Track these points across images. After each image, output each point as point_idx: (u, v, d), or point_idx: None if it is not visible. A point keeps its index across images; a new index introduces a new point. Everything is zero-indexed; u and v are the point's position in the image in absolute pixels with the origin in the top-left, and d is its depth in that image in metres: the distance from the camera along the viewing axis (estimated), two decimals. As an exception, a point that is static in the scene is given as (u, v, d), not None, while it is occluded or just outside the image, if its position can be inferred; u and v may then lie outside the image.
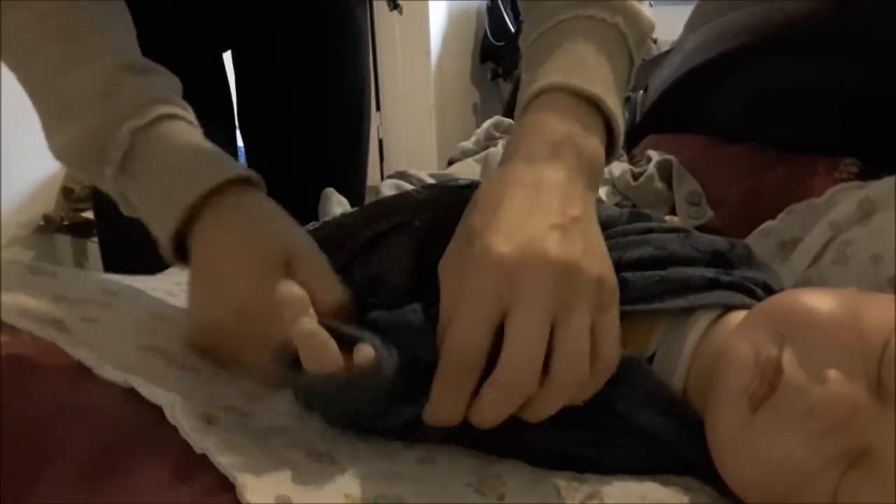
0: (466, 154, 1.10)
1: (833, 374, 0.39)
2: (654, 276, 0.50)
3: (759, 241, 0.71)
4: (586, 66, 0.49)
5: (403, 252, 0.55)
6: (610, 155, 0.51)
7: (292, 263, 0.48)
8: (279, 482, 0.38)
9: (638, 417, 0.45)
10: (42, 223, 2.14)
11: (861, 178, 0.73)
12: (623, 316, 0.45)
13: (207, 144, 0.54)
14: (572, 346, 0.41)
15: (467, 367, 0.41)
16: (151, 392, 0.42)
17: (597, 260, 0.44)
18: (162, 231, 0.51)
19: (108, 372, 0.44)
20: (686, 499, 0.43)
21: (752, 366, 0.42)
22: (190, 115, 0.55)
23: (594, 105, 0.48)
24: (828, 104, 0.81)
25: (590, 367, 0.42)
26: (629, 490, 0.42)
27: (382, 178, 1.08)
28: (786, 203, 0.73)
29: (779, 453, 0.40)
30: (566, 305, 0.41)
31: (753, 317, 0.46)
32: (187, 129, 0.54)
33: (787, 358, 0.41)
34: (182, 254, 0.52)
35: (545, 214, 0.43)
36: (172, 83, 0.56)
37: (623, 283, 0.48)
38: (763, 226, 0.72)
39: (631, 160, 1.01)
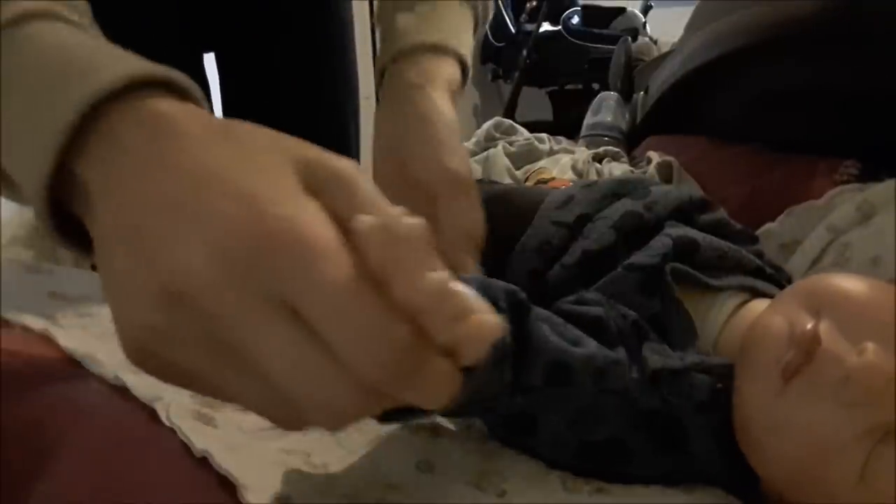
0: (467, 155, 1.10)
1: (871, 345, 0.39)
2: (720, 249, 0.52)
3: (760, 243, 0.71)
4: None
5: None
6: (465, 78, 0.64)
7: (317, 180, 0.29)
8: (279, 482, 0.38)
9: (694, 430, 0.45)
10: (42, 223, 2.14)
11: (861, 180, 0.73)
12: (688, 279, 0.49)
13: (108, 44, 0.34)
14: None
15: None
16: (144, 392, 0.42)
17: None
18: (33, 173, 0.31)
19: (100, 367, 0.44)
20: (692, 497, 0.43)
21: (786, 337, 0.42)
22: (87, 20, 0.36)
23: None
24: (829, 105, 0.81)
25: None
26: (634, 488, 0.43)
27: (382, 179, 1.08)
28: (786, 205, 0.73)
29: (811, 424, 0.40)
30: None
31: (787, 294, 0.46)
32: (74, 32, 0.34)
33: (824, 329, 0.41)
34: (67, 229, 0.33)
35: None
36: None
37: (695, 246, 0.51)
38: (763, 228, 0.72)
39: (631, 161, 1.01)
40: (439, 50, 0.61)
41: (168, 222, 0.28)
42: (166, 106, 0.31)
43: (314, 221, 0.27)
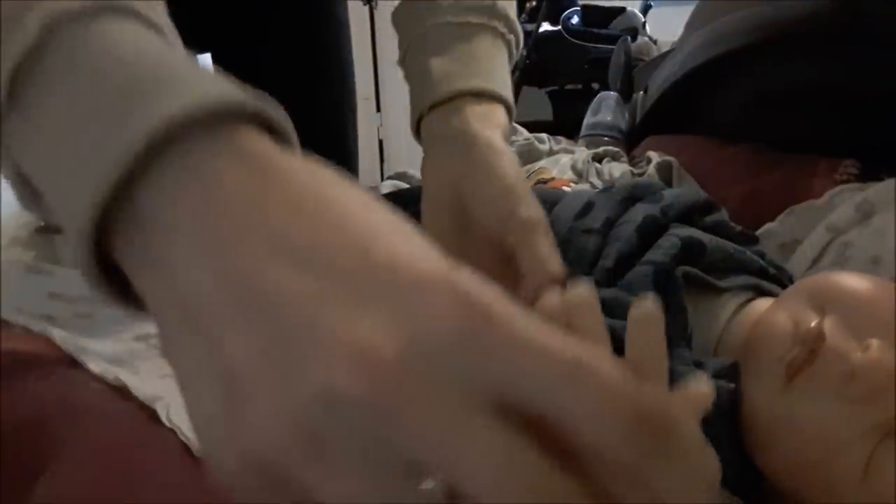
0: (466, 155, 1.10)
1: (875, 342, 0.39)
2: (725, 250, 0.52)
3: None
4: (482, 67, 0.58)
5: None
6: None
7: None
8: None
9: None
10: (42, 224, 2.14)
11: (861, 180, 0.73)
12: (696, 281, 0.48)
13: (186, 58, 0.28)
14: None
15: None
16: (144, 392, 0.42)
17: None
18: (80, 205, 0.23)
19: (100, 367, 0.44)
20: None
21: (791, 335, 0.42)
22: (162, 19, 0.30)
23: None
24: (829, 105, 0.81)
25: None
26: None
27: (382, 179, 1.08)
28: (786, 204, 0.73)
29: (815, 420, 0.40)
30: None
31: (792, 292, 0.46)
32: (150, 36, 0.28)
33: (829, 326, 0.41)
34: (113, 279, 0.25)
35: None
36: None
37: (702, 248, 0.51)
38: (763, 228, 0.72)
39: (631, 161, 1.01)
40: (484, 96, 0.56)
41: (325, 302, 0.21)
42: (265, 145, 0.24)
43: (500, 294, 0.21)
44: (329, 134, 0.99)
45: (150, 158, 0.23)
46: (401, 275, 0.21)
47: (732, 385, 0.44)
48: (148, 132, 0.23)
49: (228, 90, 0.25)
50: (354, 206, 0.23)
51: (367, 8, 2.68)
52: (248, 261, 0.21)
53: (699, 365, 0.44)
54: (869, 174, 0.73)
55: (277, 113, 0.27)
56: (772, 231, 0.71)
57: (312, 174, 0.24)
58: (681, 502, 0.20)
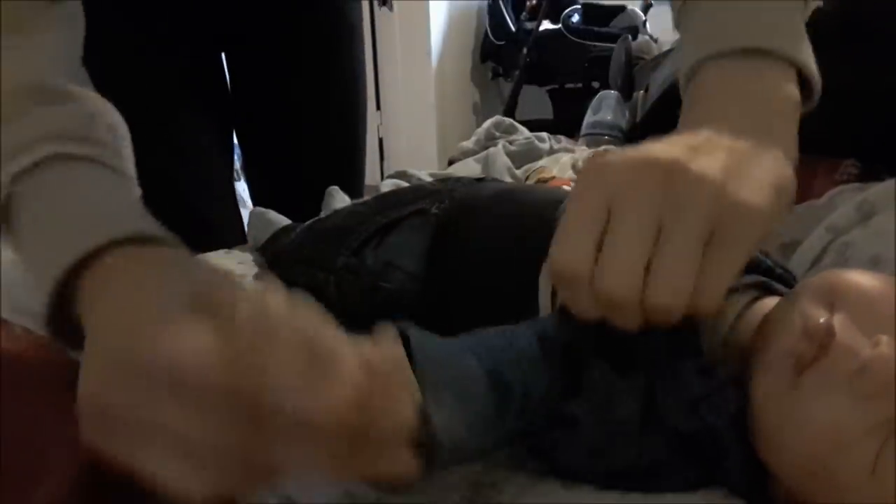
0: (466, 154, 1.11)
1: (885, 338, 0.39)
2: None
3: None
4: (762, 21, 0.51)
5: (418, 238, 0.55)
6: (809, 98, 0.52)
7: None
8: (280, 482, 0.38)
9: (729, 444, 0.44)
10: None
11: (861, 180, 0.73)
12: None
13: (110, 194, 0.42)
14: (667, 263, 0.36)
15: (574, 275, 0.38)
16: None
17: (734, 180, 0.38)
18: (42, 306, 0.39)
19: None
20: (695, 497, 0.43)
21: (799, 331, 0.42)
22: (109, 154, 0.43)
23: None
24: (829, 104, 0.81)
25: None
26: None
27: (382, 178, 1.08)
28: (786, 204, 0.73)
29: (824, 416, 0.40)
30: (672, 212, 0.37)
31: (800, 289, 0.46)
32: (88, 174, 0.42)
33: (839, 322, 0.41)
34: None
35: (681, 144, 0.39)
36: (91, 111, 0.44)
37: None
38: (763, 227, 0.72)
39: (631, 160, 1.01)
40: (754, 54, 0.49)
41: (89, 354, 0.36)
42: (113, 261, 0.38)
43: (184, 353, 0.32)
44: (340, 132, 0.99)
45: (71, 275, 0.38)
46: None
47: (742, 392, 0.44)
48: (65, 265, 0.37)
49: (106, 232, 0.38)
50: (143, 314, 0.34)
51: (367, 7, 2.68)
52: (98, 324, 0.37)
53: (705, 373, 0.44)
54: (869, 174, 0.73)
55: (147, 230, 0.39)
56: (772, 231, 0.71)
57: (131, 295, 0.36)
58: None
